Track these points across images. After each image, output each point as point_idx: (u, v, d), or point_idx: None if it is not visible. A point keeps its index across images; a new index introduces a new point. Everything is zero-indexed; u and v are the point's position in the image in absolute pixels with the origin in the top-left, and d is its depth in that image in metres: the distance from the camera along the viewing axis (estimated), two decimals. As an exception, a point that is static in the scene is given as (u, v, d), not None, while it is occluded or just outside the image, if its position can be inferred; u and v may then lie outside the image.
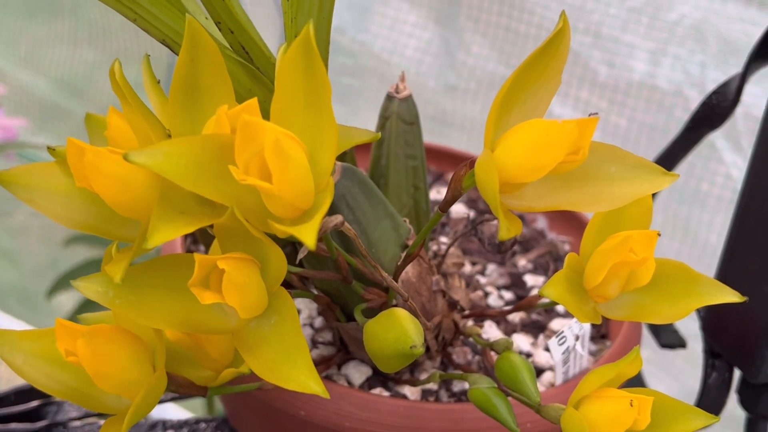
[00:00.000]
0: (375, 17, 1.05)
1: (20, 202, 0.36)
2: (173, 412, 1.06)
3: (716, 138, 0.88)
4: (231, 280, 0.32)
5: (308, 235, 0.29)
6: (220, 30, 0.37)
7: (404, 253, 0.43)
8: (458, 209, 0.64)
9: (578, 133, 0.31)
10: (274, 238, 0.33)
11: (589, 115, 0.31)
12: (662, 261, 0.39)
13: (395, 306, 0.43)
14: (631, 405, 0.34)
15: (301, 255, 0.36)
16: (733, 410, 0.57)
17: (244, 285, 0.32)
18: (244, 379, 0.39)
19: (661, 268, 0.39)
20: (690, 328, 0.61)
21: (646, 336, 0.62)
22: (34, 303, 1.41)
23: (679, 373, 0.96)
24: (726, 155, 0.89)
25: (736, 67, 0.54)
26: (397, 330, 0.35)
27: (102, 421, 0.54)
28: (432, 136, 1.07)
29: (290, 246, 0.43)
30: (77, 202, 0.36)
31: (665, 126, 0.90)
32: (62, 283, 1.16)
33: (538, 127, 0.32)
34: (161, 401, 0.62)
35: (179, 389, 0.38)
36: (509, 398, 0.40)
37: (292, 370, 0.33)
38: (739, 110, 0.87)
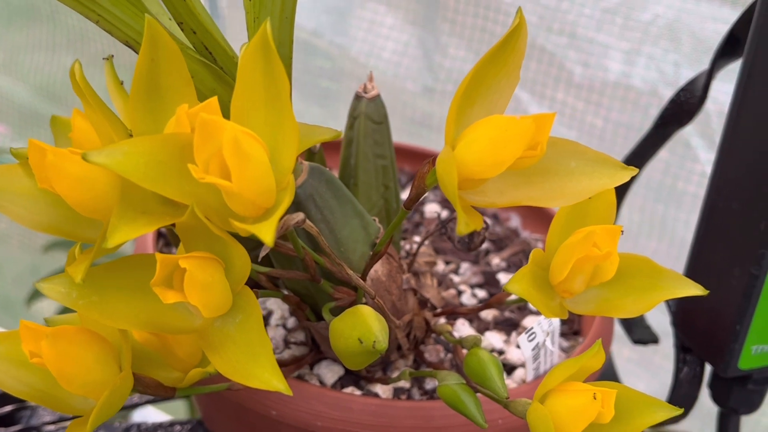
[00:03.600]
0: (352, 20, 1.05)
1: (-1, 210, 0.36)
2: (155, 415, 1.06)
3: (691, 136, 0.89)
4: (193, 279, 0.32)
5: (267, 233, 0.29)
6: (182, 30, 0.37)
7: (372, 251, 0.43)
8: (432, 209, 0.65)
9: (535, 129, 0.31)
10: (244, 239, 0.33)
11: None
12: (626, 256, 0.39)
13: (365, 304, 0.43)
14: (595, 398, 0.35)
15: (262, 253, 0.36)
16: (711, 405, 0.57)
17: (206, 284, 0.32)
18: (213, 379, 0.39)
19: (626, 262, 0.39)
20: (665, 326, 0.61)
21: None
22: (14, 310, 1.40)
23: (658, 369, 0.96)
24: (701, 153, 0.89)
25: (709, 66, 0.55)
26: (362, 327, 0.35)
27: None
28: (411, 137, 1.08)
29: (262, 246, 0.43)
30: (40, 203, 0.36)
31: (641, 125, 0.90)
32: (42, 289, 1.15)
33: (496, 123, 0.32)
34: (141, 404, 0.62)
35: (147, 390, 0.38)
36: (479, 394, 0.40)
37: (256, 368, 0.33)
38: (714, 108, 0.88)
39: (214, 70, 0.38)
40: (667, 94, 0.90)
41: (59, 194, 0.33)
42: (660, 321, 0.64)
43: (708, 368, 0.55)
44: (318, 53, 1.07)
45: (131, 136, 0.34)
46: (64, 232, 0.35)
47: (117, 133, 0.34)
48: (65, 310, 1.11)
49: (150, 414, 1.05)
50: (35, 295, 1.15)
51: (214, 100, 0.32)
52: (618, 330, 0.62)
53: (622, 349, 0.98)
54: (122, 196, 0.31)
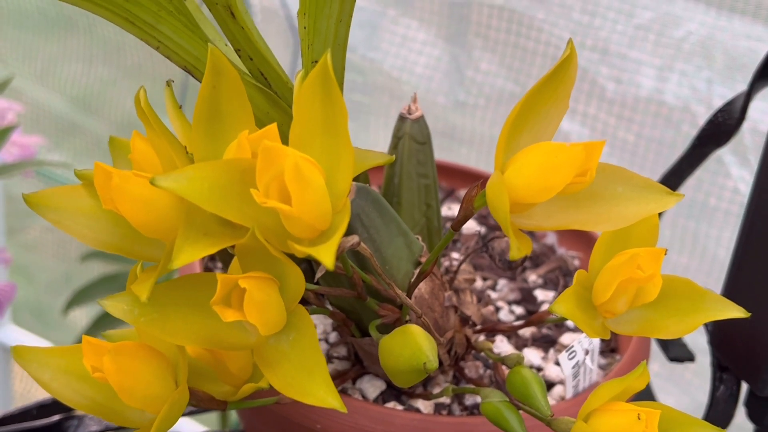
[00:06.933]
0: (385, 35, 1.06)
1: (34, 219, 0.38)
2: (187, 426, 1.07)
3: (723, 153, 0.89)
4: (252, 299, 0.33)
5: (327, 256, 0.30)
6: (239, 57, 0.39)
7: (417, 270, 0.44)
8: (469, 225, 0.65)
9: (585, 156, 0.32)
10: (291, 257, 0.35)
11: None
12: (669, 278, 0.40)
13: (408, 321, 0.44)
14: (639, 418, 0.35)
15: (319, 274, 0.37)
16: (743, 423, 0.58)
17: (264, 303, 0.34)
18: (262, 393, 0.40)
19: (668, 284, 0.40)
20: (698, 342, 0.62)
21: (656, 350, 0.63)
22: (48, 318, 1.42)
23: (688, 386, 0.96)
24: (733, 170, 0.90)
25: (742, 83, 0.55)
26: (412, 346, 0.36)
27: (121, 435, 0.55)
28: (441, 151, 1.09)
29: (305, 263, 0.45)
30: (103, 223, 0.37)
31: (673, 141, 0.91)
32: (77, 298, 1.18)
33: (546, 149, 0.33)
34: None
35: (200, 403, 0.39)
36: (520, 411, 0.41)
37: (311, 385, 0.34)
38: (747, 125, 0.88)
39: (269, 95, 0.39)
40: (700, 110, 0.91)
41: (123, 215, 0.34)
42: (693, 338, 0.64)
43: (744, 387, 0.55)
44: (351, 67, 1.08)
45: (191, 158, 0.36)
46: (125, 251, 0.37)
47: (178, 156, 0.35)
48: (100, 321, 1.13)
49: (183, 425, 1.06)
50: (70, 303, 1.17)
51: (273, 127, 0.33)
52: (648, 346, 0.63)
53: (652, 365, 0.99)
54: (186, 219, 0.32)
